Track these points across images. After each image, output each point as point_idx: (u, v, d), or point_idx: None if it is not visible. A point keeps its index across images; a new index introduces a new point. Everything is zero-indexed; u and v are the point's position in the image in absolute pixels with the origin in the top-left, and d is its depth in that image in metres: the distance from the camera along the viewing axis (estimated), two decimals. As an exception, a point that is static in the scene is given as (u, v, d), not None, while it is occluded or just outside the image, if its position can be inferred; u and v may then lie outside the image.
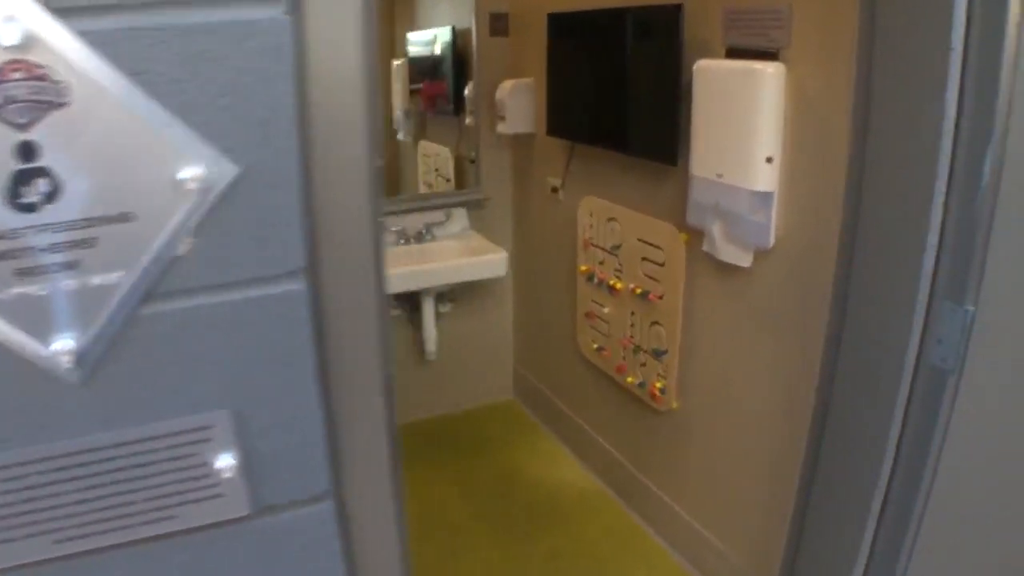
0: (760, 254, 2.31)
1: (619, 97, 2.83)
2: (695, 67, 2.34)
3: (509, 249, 4.11)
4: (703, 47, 2.42)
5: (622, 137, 2.84)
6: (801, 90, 2.10)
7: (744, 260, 2.32)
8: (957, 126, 1.42)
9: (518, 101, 3.59)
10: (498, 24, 3.79)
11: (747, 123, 2.16)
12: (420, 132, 4.12)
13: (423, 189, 4.11)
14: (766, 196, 2.17)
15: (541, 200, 3.76)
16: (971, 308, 1.44)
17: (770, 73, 2.10)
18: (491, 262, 3.60)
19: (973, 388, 1.52)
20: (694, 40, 2.45)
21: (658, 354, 2.88)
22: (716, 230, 2.37)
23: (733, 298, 2.51)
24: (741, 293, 2.47)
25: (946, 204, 1.45)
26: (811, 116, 2.09)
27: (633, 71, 2.73)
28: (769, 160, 2.14)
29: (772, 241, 2.23)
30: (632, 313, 3.01)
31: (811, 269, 2.15)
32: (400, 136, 4.06)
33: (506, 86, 3.59)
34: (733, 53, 2.29)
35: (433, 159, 4.09)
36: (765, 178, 2.16)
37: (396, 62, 3.92)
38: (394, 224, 3.81)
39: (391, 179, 4.08)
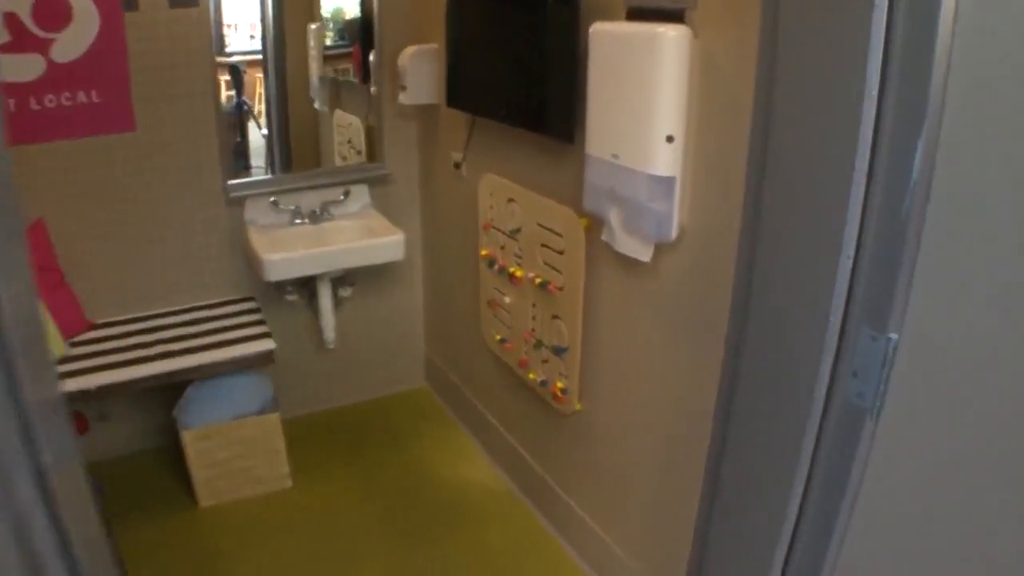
0: (662, 247, 2.01)
1: (513, 65, 2.50)
2: (591, 30, 2.01)
3: (417, 228, 3.78)
4: (603, 8, 2.09)
5: (518, 110, 2.52)
6: (709, 57, 1.79)
7: (643, 254, 2.02)
8: (880, 106, 1.12)
9: (420, 69, 3.23)
10: (401, -19, 3.43)
11: (645, 96, 1.84)
12: (335, 101, 3.75)
13: (338, 162, 3.76)
14: (667, 181, 1.86)
15: (445, 177, 3.42)
16: (894, 336, 1.15)
17: (672, 37, 1.78)
18: (387, 245, 3.25)
19: (894, 431, 1.23)
20: (595, 0, 2.12)
21: (559, 351, 2.58)
22: (613, 218, 2.06)
23: (635, 294, 2.22)
24: (643, 289, 2.17)
25: (865, 205, 1.15)
26: (720, 88, 1.78)
27: (528, 36, 2.40)
28: (670, 139, 1.83)
29: (674, 233, 1.93)
30: (533, 305, 2.71)
31: (719, 266, 1.85)
32: (316, 105, 3.70)
33: (407, 52, 3.22)
34: (634, 14, 1.97)
35: (347, 130, 3.74)
36: (665, 160, 1.85)
37: (312, 25, 3.55)
38: (289, 202, 3.45)
39: (304, 151, 3.71)
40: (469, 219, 3.15)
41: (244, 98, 3.48)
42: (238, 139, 3.49)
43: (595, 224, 2.26)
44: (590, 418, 2.59)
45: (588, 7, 2.12)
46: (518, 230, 2.71)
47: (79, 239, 3.21)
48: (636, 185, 1.90)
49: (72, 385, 2.86)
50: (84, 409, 3.40)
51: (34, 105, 3.04)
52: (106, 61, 3.07)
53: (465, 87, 2.90)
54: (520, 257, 2.73)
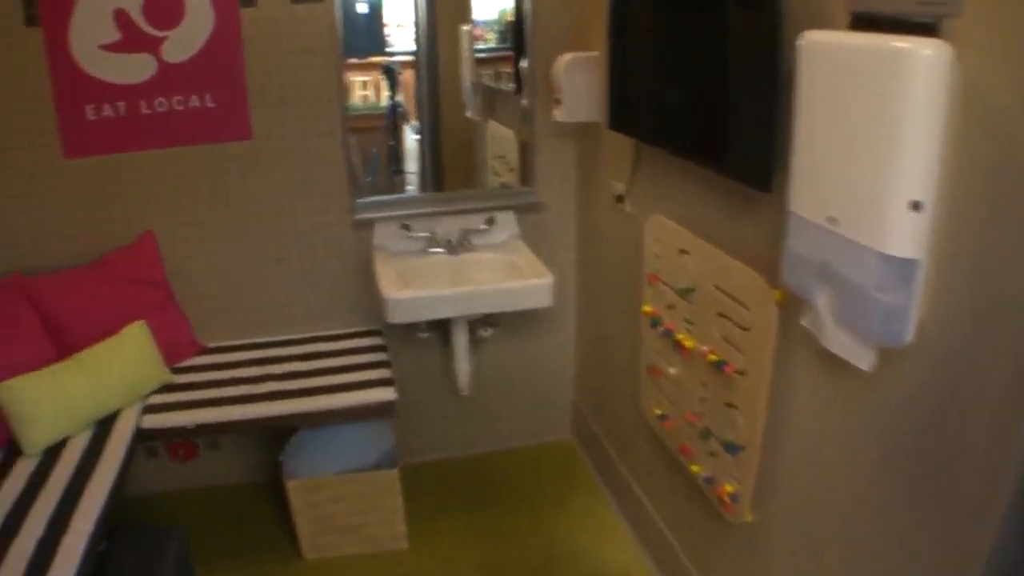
0: (890, 354, 1.43)
1: (692, 83, 1.99)
2: (801, 42, 1.47)
3: (570, 265, 3.31)
4: (816, 14, 1.55)
5: (696, 141, 2.00)
6: (978, 89, 1.21)
7: (862, 358, 1.45)
8: None
9: (578, 81, 2.75)
10: (561, -24, 2.97)
11: (882, 140, 1.28)
12: (489, 110, 3.36)
13: (490, 178, 3.37)
14: (906, 265, 1.29)
15: (605, 210, 2.93)
16: None
17: (925, 57, 1.21)
18: (533, 289, 2.78)
19: None
20: (803, 3, 1.58)
21: (732, 448, 2.03)
22: (822, 302, 1.51)
23: (842, 404, 1.65)
24: (854, 401, 1.60)
25: None
26: (994, 134, 1.20)
27: (710, 46, 1.87)
28: (917, 207, 1.26)
29: (909, 336, 1.35)
30: (704, 385, 2.17)
31: (976, 390, 1.27)
32: (468, 113, 3.32)
33: (563, 61, 2.74)
34: (863, 23, 1.41)
35: (500, 143, 3.35)
36: (907, 235, 1.28)
37: (464, 27, 3.18)
38: (424, 228, 3.06)
39: (456, 161, 3.34)
40: (631, 265, 2.64)
41: (398, 99, 3.12)
42: (391, 143, 3.20)
43: (793, 301, 1.71)
44: (763, 533, 2.04)
45: (794, 11, 1.58)
46: (691, 290, 2.18)
47: (190, 255, 2.95)
48: (861, 265, 1.35)
49: (170, 421, 2.61)
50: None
51: (144, 109, 2.80)
52: (221, 62, 2.79)
53: (631, 107, 2.40)
54: (691, 324, 2.20)
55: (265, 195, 2.95)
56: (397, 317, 2.70)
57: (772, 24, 1.60)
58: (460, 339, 3.04)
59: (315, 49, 2.83)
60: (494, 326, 3.22)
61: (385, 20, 3.00)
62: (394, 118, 3.16)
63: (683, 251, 2.22)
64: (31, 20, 2.67)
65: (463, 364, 3.09)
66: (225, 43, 2.78)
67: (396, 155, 3.22)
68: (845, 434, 1.64)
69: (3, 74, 2.67)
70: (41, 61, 2.68)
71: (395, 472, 2.81)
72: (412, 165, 3.24)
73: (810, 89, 1.46)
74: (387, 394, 2.71)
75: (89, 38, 2.71)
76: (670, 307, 2.32)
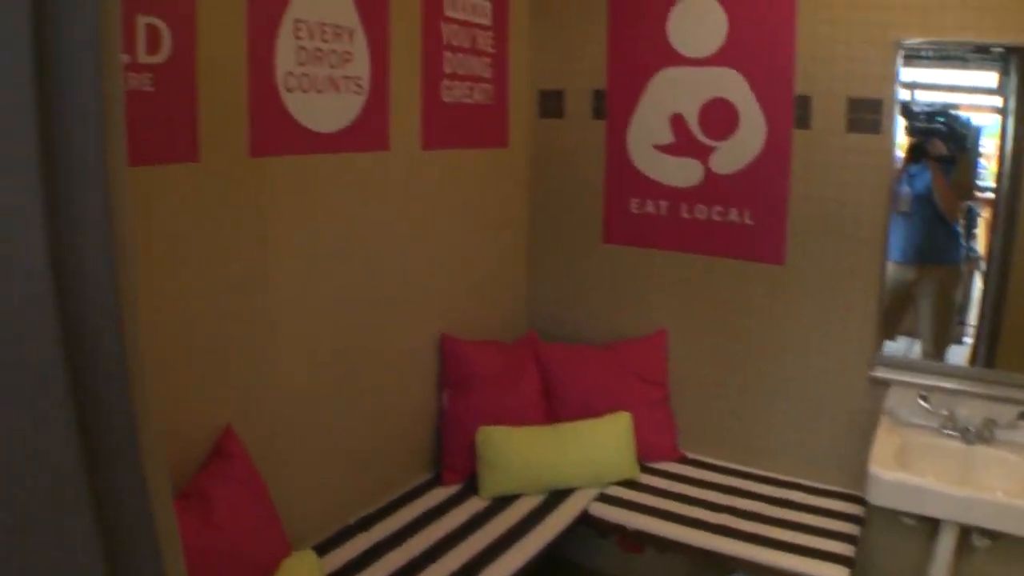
0: None
1: None
2: None
3: None
4: None
5: None
6: None
7: None
8: None
9: None
10: None
11: None
12: None
13: (972, 320, 2.78)
14: None
15: None
16: None
17: None
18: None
19: None
20: None
21: None
22: None
23: None
24: None
25: None
26: None
27: None
28: None
29: None
30: None
31: None
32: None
33: None
34: None
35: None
36: None
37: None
38: (942, 404, 2.65)
39: (1016, 335, 2.80)
40: None
41: (972, 244, 2.74)
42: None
43: None
44: None
45: None
46: None
47: (696, 363, 2.95)
48: None
49: (616, 516, 2.67)
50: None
51: (684, 213, 2.86)
52: (766, 180, 2.73)
53: None
54: None
55: (784, 323, 2.81)
56: (878, 498, 2.39)
57: None
58: (945, 545, 2.56)
59: (864, 183, 2.61)
60: (994, 538, 2.68)
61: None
62: (968, 264, 2.76)
63: None
64: (598, 113, 2.90)
65: (941, 572, 2.63)
66: (773, 162, 2.71)
67: (963, 306, 2.80)
68: None
69: (569, 159, 2.95)
70: (600, 151, 2.90)
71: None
72: (972, 318, 2.80)
73: None
74: (839, 573, 2.43)
75: (645, 137, 2.86)
76: None
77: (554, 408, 2.90)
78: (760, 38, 2.68)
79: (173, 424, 1.90)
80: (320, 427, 2.38)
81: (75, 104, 0.55)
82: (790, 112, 2.64)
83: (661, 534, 2.59)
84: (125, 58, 1.68)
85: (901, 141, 2.60)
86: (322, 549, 2.32)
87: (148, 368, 0.64)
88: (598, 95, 2.93)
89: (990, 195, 2.65)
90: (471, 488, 2.73)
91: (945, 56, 2.57)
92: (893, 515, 2.72)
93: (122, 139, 0.60)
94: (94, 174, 0.57)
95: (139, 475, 0.62)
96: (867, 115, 2.55)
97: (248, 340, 2.11)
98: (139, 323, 0.63)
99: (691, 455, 3.03)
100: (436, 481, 2.80)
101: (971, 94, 2.62)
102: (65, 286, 0.56)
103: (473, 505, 2.64)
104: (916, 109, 2.62)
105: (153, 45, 1.78)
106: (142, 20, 1.75)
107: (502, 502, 2.66)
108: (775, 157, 2.70)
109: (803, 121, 2.63)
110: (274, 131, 2.13)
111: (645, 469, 2.89)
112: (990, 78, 2.59)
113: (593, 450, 2.76)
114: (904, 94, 2.57)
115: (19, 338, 0.55)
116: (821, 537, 2.55)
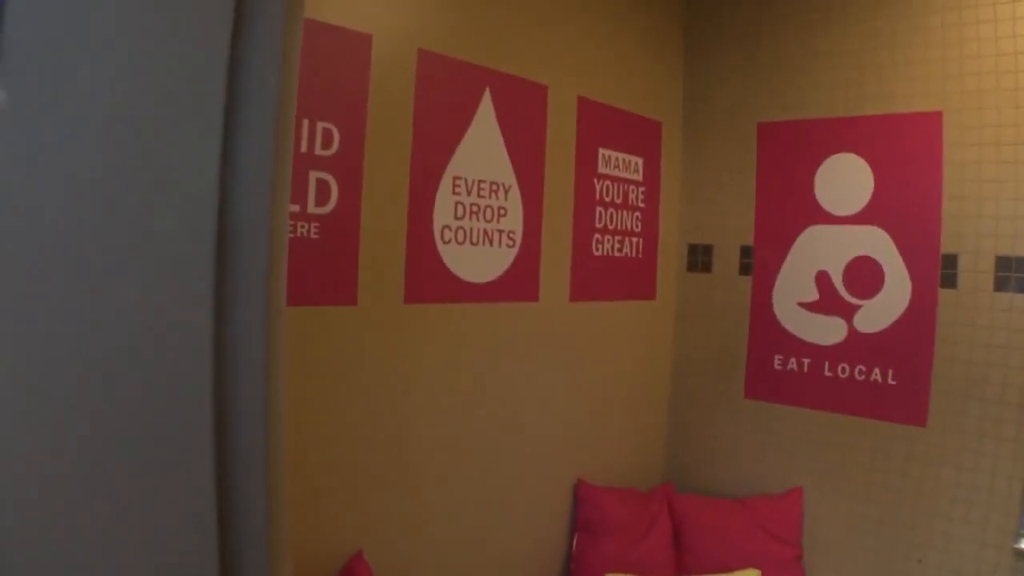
0: None
1: None
2: None
3: None
4: None
5: None
6: None
7: None
8: None
9: None
10: None
11: None
12: None
13: None
14: None
15: None
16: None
17: None
18: None
19: None
20: None
21: None
22: None
23: None
24: None
25: None
26: None
27: None
28: None
29: None
30: None
31: None
32: None
33: None
34: None
35: None
36: None
37: None
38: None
39: None
40: None
41: None
42: None
43: None
44: None
45: None
46: None
47: (831, 524, 2.84)
48: None
49: None
50: None
51: (826, 371, 2.83)
52: (910, 340, 2.65)
53: None
54: None
55: (924, 488, 2.67)
56: None
57: None
58: None
59: (1012, 345, 2.51)
60: None
61: None
62: None
63: None
64: (745, 269, 2.96)
65: None
66: (918, 321, 2.65)
67: None
68: None
69: (714, 312, 3.02)
70: (745, 306, 2.95)
71: None
72: None
73: None
74: None
75: (790, 293, 2.88)
76: None
77: (683, 560, 2.86)
78: (906, 196, 2.68)
79: (304, 540, 2.04)
80: (450, 565, 2.44)
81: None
82: (936, 271, 2.60)
83: None
84: (295, 208, 1.94)
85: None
86: None
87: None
88: (745, 251, 3.00)
89: None
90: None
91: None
92: None
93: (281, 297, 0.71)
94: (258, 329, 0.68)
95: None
96: (1015, 273, 2.50)
97: (387, 472, 2.24)
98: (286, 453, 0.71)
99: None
100: (563, 624, 2.79)
101: None
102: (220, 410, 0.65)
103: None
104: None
105: (322, 197, 2.03)
106: (313, 175, 2.01)
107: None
108: (920, 316, 2.64)
109: (949, 280, 2.58)
110: (428, 280, 2.31)
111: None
112: None
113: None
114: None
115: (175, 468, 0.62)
116: None
